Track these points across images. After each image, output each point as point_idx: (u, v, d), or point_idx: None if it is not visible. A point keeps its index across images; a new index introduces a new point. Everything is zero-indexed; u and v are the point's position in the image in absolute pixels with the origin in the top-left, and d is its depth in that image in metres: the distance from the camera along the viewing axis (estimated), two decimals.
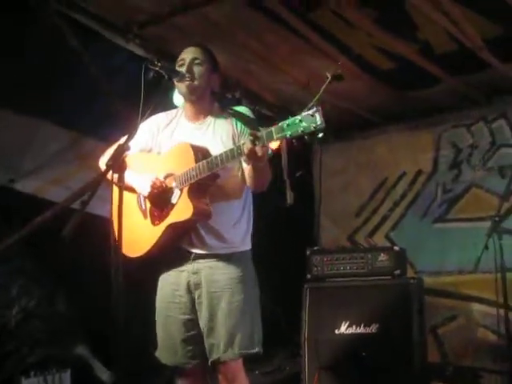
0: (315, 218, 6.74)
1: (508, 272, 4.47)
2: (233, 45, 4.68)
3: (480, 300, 5.60)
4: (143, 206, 3.04)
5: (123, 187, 2.45)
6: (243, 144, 2.66)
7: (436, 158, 6.23)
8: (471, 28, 4.48)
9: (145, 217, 3.03)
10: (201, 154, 2.87)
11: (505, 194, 5.11)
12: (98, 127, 4.48)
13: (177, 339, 2.99)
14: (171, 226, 2.90)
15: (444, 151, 6.20)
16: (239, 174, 3.01)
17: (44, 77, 4.16)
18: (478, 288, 5.59)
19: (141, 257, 2.98)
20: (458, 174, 6.07)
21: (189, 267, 2.98)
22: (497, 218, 4.54)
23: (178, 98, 3.34)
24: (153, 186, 2.92)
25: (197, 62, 3.02)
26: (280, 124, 2.52)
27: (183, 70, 2.97)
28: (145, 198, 3.01)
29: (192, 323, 2.98)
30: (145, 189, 2.96)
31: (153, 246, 2.95)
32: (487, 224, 4.64)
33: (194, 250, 2.97)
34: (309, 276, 4.88)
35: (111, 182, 2.43)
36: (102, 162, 3.08)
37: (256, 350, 2.97)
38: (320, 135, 2.47)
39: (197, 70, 3.00)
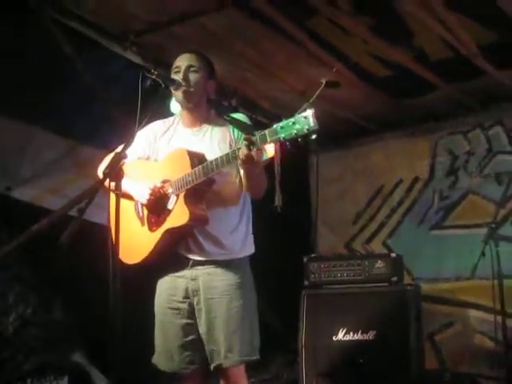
0: (312, 226, 6.75)
1: (505, 279, 4.48)
2: (230, 53, 4.69)
3: (477, 306, 5.61)
4: (140, 213, 3.04)
5: (120, 195, 2.45)
6: (238, 149, 2.68)
7: (433, 165, 6.25)
8: (466, 35, 4.50)
9: (142, 224, 3.03)
10: (197, 159, 2.87)
11: (501, 201, 5.13)
12: (95, 135, 4.48)
13: (174, 345, 2.98)
14: (168, 232, 2.90)
15: (441, 158, 6.21)
16: (237, 180, 3.02)
17: (41, 84, 4.17)
18: (475, 294, 5.60)
19: (139, 263, 2.98)
20: (455, 181, 6.09)
21: (187, 273, 2.98)
22: (493, 225, 4.55)
23: (175, 105, 3.35)
24: (150, 193, 2.93)
25: (192, 69, 3.02)
26: (273, 127, 2.53)
27: (179, 77, 2.98)
28: (142, 205, 3.02)
29: (190, 328, 2.97)
30: (142, 196, 2.96)
31: (150, 253, 2.95)
32: (484, 231, 4.65)
33: (193, 257, 2.97)
34: (306, 283, 4.89)
35: (108, 190, 2.44)
36: (100, 170, 3.09)
37: (256, 356, 2.98)
38: (313, 137, 2.48)
39: (192, 77, 3.01)
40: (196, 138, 3.07)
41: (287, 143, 2.52)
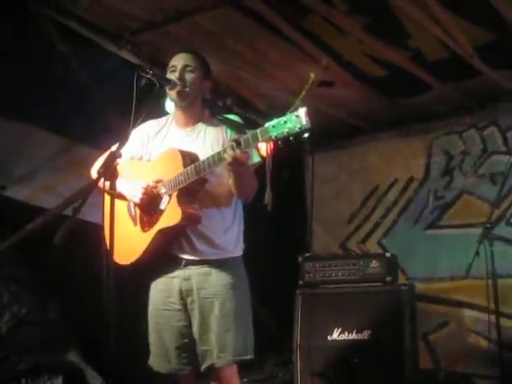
0: (307, 225, 6.75)
1: (499, 278, 4.48)
2: (224, 52, 4.69)
3: (471, 306, 5.62)
4: (133, 212, 3.03)
5: (115, 195, 2.45)
6: (224, 149, 2.68)
7: (428, 165, 6.25)
8: (462, 35, 4.51)
9: (135, 224, 3.02)
10: (189, 159, 2.87)
11: (496, 201, 5.11)
12: (90, 134, 4.47)
13: (170, 346, 2.98)
14: (161, 232, 2.89)
15: (436, 158, 6.22)
16: (229, 180, 3.01)
17: (35, 82, 4.16)
18: (470, 294, 5.61)
19: (132, 264, 2.97)
20: (450, 181, 6.09)
21: (180, 274, 2.97)
22: (488, 225, 4.55)
23: (170, 105, 3.35)
24: (143, 192, 2.92)
25: (188, 68, 3.02)
26: (265, 126, 2.53)
27: (174, 76, 2.97)
28: (135, 204, 3.01)
29: (186, 330, 2.96)
30: (135, 195, 2.96)
31: (143, 253, 2.94)
32: (478, 230, 4.64)
33: (186, 257, 2.96)
34: (301, 282, 4.89)
35: (103, 190, 2.43)
36: (94, 170, 3.08)
37: (249, 356, 2.97)
38: (306, 136, 2.48)
39: (188, 76, 3.00)
40: (189, 139, 3.06)
41: (279, 142, 2.52)
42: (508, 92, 5.52)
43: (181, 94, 2.98)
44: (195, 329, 2.93)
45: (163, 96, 3.11)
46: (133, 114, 2.64)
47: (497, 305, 4.36)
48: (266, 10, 4.22)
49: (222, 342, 2.88)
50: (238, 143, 2.62)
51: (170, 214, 2.86)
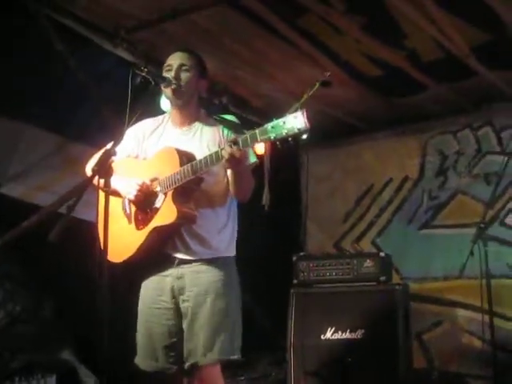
0: (302, 224, 6.75)
1: (493, 278, 4.50)
2: (221, 51, 4.68)
3: (465, 306, 5.64)
4: (128, 210, 3.03)
5: (109, 192, 2.44)
6: (222, 149, 2.68)
7: (422, 165, 6.26)
8: (458, 35, 4.52)
9: (129, 221, 3.02)
10: (186, 158, 2.86)
11: (490, 201, 5.13)
12: (85, 132, 4.46)
13: (159, 345, 2.97)
14: (155, 230, 2.89)
15: (430, 158, 6.23)
16: (225, 180, 3.01)
17: (31, 81, 4.15)
18: (463, 294, 5.63)
19: (125, 262, 2.97)
20: (444, 181, 6.11)
21: (173, 272, 2.96)
22: (482, 225, 4.56)
23: (165, 103, 3.34)
24: (138, 189, 2.92)
25: (184, 67, 3.01)
26: (264, 126, 2.53)
27: (170, 75, 2.97)
28: (130, 202, 3.01)
29: (176, 329, 2.96)
30: (130, 192, 2.95)
31: (137, 251, 2.94)
32: (472, 230, 4.66)
33: (179, 256, 2.95)
34: (295, 281, 4.89)
35: (97, 188, 2.43)
36: (89, 168, 3.07)
37: (236, 356, 2.95)
38: (304, 137, 2.48)
39: (184, 76, 2.99)
40: (185, 138, 3.05)
41: (277, 143, 2.52)
42: (503, 92, 5.54)
43: (176, 93, 2.98)
44: (185, 325, 2.93)
45: (158, 94, 3.11)
46: (128, 111, 2.64)
47: (490, 305, 4.38)
48: (263, 9, 4.22)
49: (209, 341, 2.87)
50: (237, 143, 2.62)
51: (165, 212, 2.86)
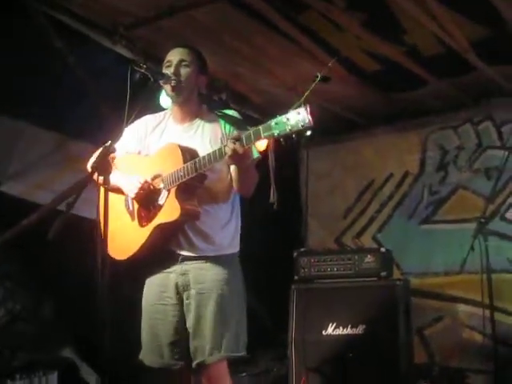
0: (302, 220, 6.75)
1: (493, 273, 4.51)
2: (220, 47, 4.67)
3: (466, 301, 5.64)
4: (131, 207, 3.02)
5: (108, 189, 2.44)
6: (225, 146, 2.67)
7: (423, 160, 6.26)
8: (458, 31, 4.51)
9: (132, 218, 3.01)
10: (189, 154, 2.86)
11: (491, 196, 5.14)
12: (85, 130, 4.46)
13: (165, 341, 2.96)
14: (159, 227, 2.88)
15: (431, 153, 6.23)
16: (228, 177, 3.00)
17: (30, 79, 4.15)
18: (464, 289, 5.63)
19: (128, 259, 2.97)
20: (445, 176, 6.10)
21: (177, 269, 2.96)
22: (483, 220, 4.57)
23: (164, 99, 3.34)
24: (140, 188, 2.92)
25: (184, 63, 3.00)
26: (268, 122, 2.52)
27: (170, 71, 2.96)
28: (132, 199, 3.01)
29: (181, 325, 2.95)
30: (132, 190, 2.95)
31: (140, 248, 2.93)
32: (473, 225, 4.67)
33: (182, 252, 2.95)
34: (296, 277, 4.89)
35: (97, 184, 2.43)
36: (89, 165, 3.07)
37: (241, 353, 2.96)
38: (308, 133, 2.47)
39: (183, 71, 2.99)
40: (187, 135, 3.05)
41: (281, 139, 2.51)
42: (502, 87, 5.53)
43: (176, 89, 2.97)
44: (189, 323, 2.92)
45: (158, 90, 3.10)
46: (126, 108, 2.64)
47: (491, 299, 4.39)
48: (263, 6, 4.21)
49: (215, 339, 2.87)
50: (240, 139, 2.61)
51: (169, 209, 2.85)
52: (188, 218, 2.88)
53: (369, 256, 4.75)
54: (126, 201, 3.05)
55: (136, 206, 3.01)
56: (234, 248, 3.06)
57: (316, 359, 4.55)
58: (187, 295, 2.94)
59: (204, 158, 2.78)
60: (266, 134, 2.53)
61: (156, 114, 3.20)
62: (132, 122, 2.80)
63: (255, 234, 3.15)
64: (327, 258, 4.89)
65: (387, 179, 6.41)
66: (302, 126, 2.44)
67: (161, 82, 2.89)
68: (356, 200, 6.54)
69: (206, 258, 2.95)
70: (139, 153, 3.14)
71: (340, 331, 4.55)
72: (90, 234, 2.46)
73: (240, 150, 2.61)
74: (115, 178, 2.98)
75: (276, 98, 5.51)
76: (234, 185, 2.97)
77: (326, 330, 4.58)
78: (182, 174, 2.81)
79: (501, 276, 5.21)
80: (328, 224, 6.64)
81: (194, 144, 2.96)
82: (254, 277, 3.15)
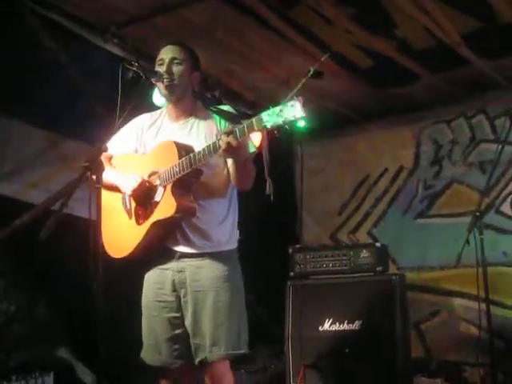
0: (297, 216, 6.75)
1: (489, 266, 4.49)
2: (212, 44, 4.66)
3: (462, 295, 5.65)
4: (128, 205, 3.02)
5: (104, 188, 2.44)
6: (219, 139, 2.67)
7: (417, 154, 6.26)
8: (449, 23, 4.51)
9: (130, 216, 3.01)
10: (184, 151, 2.86)
11: (485, 189, 5.13)
12: (78, 128, 4.45)
13: (162, 338, 2.97)
14: (155, 224, 2.88)
15: (425, 147, 6.23)
16: (225, 171, 3.00)
17: (23, 78, 4.13)
18: (460, 283, 5.63)
19: (126, 257, 2.97)
20: (439, 170, 6.11)
21: (173, 266, 2.96)
22: (478, 213, 4.56)
23: (157, 97, 3.33)
24: (136, 185, 2.91)
25: (176, 61, 3.00)
26: (260, 115, 2.52)
27: (162, 69, 2.95)
28: (129, 197, 3.00)
29: (178, 321, 2.96)
30: (127, 188, 2.95)
31: (138, 245, 2.93)
32: (468, 219, 4.64)
33: (179, 249, 2.95)
34: (292, 274, 4.89)
35: (90, 183, 2.42)
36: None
37: (243, 350, 2.96)
38: (301, 125, 2.48)
39: (176, 69, 2.98)
40: (182, 132, 3.05)
41: (275, 131, 2.51)
42: (495, 80, 5.53)
43: (169, 88, 2.97)
44: (188, 321, 2.92)
45: (150, 88, 3.10)
46: (118, 106, 2.63)
47: (487, 293, 4.38)
48: (255, 2, 4.20)
49: (215, 336, 2.87)
50: (233, 132, 2.61)
51: (165, 206, 2.85)
52: (184, 214, 2.88)
53: (364, 251, 4.75)
54: (124, 199, 3.05)
55: (133, 203, 3.01)
56: (232, 244, 3.06)
57: (313, 355, 4.55)
58: (184, 293, 2.95)
59: (199, 152, 2.78)
60: (259, 126, 2.53)
61: (152, 113, 3.21)
62: (124, 119, 2.79)
63: (250, 231, 3.14)
64: (323, 253, 4.89)
65: (382, 174, 6.40)
66: (295, 117, 2.44)
67: (153, 80, 2.89)
68: (351, 196, 6.54)
69: (204, 255, 2.95)
70: (136, 151, 3.14)
71: (336, 327, 4.56)
72: (85, 233, 2.45)
73: (233, 143, 2.61)
74: (112, 177, 2.99)
75: (269, 93, 5.50)
76: (232, 179, 2.97)
77: (323, 325, 4.59)
78: (177, 170, 2.82)
79: (496, 269, 5.21)
80: (323, 220, 6.64)
81: (189, 141, 2.96)
82: (249, 274, 3.15)
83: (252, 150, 2.92)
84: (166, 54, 3.02)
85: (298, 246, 5.14)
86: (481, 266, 4.34)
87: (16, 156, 4.37)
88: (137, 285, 3.09)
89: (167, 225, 2.90)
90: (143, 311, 3.06)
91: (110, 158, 3.13)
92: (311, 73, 3.25)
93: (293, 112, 2.44)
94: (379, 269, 4.68)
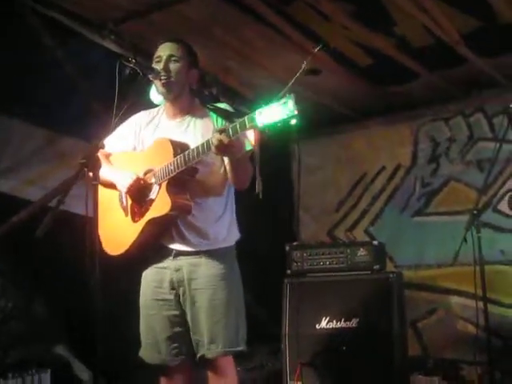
0: (294, 214, 6.74)
1: (486, 265, 4.48)
2: (209, 40, 4.66)
3: (459, 293, 5.65)
4: (124, 203, 3.02)
5: (101, 185, 2.44)
6: (212, 138, 2.66)
7: (415, 152, 6.26)
8: (448, 22, 4.50)
9: (126, 214, 3.02)
10: (180, 148, 2.86)
11: (483, 188, 5.12)
12: (75, 126, 4.45)
13: (161, 337, 2.97)
14: (150, 222, 2.88)
15: (422, 145, 6.22)
16: (221, 170, 3.00)
17: (20, 75, 4.13)
18: (457, 281, 5.64)
19: (122, 254, 2.97)
20: (437, 168, 6.10)
21: (171, 264, 2.96)
22: (475, 211, 4.55)
23: (155, 94, 3.32)
24: (130, 183, 2.91)
25: (173, 58, 2.99)
26: (253, 113, 2.52)
27: (159, 67, 2.94)
28: (126, 194, 3.00)
29: (177, 319, 2.96)
30: (123, 185, 2.95)
31: (133, 243, 2.93)
32: (466, 217, 4.64)
33: (175, 247, 2.95)
34: (289, 271, 4.88)
35: (87, 180, 2.42)
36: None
37: (241, 348, 2.97)
38: (294, 123, 2.47)
39: (173, 67, 2.97)
40: (179, 130, 3.04)
41: (266, 130, 2.51)
42: (493, 79, 5.53)
43: (167, 85, 2.96)
44: (189, 318, 2.93)
45: (148, 85, 3.09)
46: (115, 103, 2.63)
47: (484, 291, 4.38)
48: None
49: (213, 334, 2.88)
50: (226, 130, 2.60)
51: (160, 203, 2.85)
52: (179, 211, 2.88)
53: (361, 249, 4.74)
54: (120, 196, 3.05)
55: (129, 201, 3.01)
56: (230, 241, 3.06)
57: (310, 353, 4.54)
58: (183, 291, 2.95)
59: (193, 150, 2.78)
60: (251, 125, 2.53)
61: (150, 110, 3.21)
62: (122, 116, 2.78)
63: (247, 228, 3.14)
64: (320, 251, 4.88)
65: (379, 172, 6.40)
66: (287, 115, 2.44)
67: (150, 76, 2.88)
68: (348, 193, 6.54)
69: (200, 253, 2.95)
70: (135, 148, 3.14)
71: (333, 325, 4.55)
72: (83, 230, 2.45)
73: (225, 141, 2.60)
74: (109, 174, 2.99)
75: (266, 90, 5.46)
76: (229, 177, 2.96)
77: (320, 323, 4.58)
78: (172, 167, 2.82)
79: (494, 267, 5.21)
80: (320, 217, 6.64)
81: (186, 139, 2.96)
82: (246, 271, 3.15)
83: (248, 148, 2.92)
84: (164, 51, 3.01)
85: (295, 243, 5.12)
86: (478, 265, 4.34)
87: (14, 153, 4.37)
88: (135, 282, 3.09)
89: (162, 222, 2.90)
90: (141, 310, 3.05)
91: (108, 156, 3.13)
92: (304, 66, 3.24)
93: (285, 110, 2.44)
94: (376, 267, 4.67)
